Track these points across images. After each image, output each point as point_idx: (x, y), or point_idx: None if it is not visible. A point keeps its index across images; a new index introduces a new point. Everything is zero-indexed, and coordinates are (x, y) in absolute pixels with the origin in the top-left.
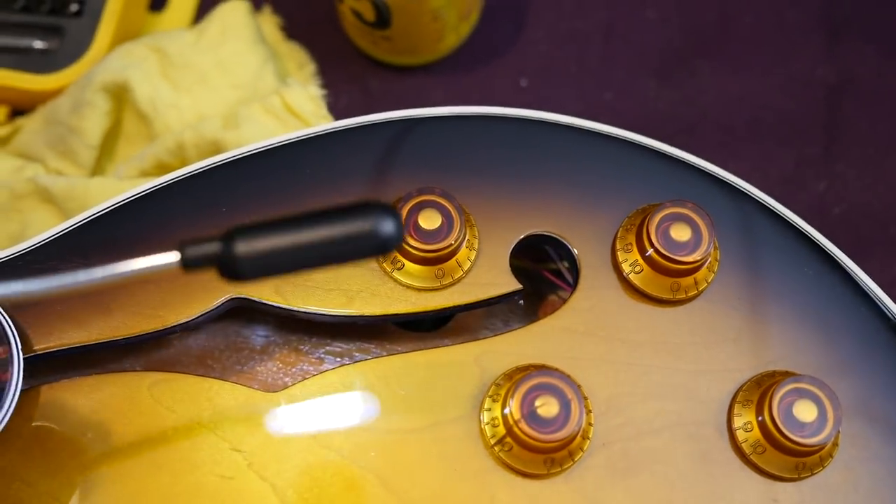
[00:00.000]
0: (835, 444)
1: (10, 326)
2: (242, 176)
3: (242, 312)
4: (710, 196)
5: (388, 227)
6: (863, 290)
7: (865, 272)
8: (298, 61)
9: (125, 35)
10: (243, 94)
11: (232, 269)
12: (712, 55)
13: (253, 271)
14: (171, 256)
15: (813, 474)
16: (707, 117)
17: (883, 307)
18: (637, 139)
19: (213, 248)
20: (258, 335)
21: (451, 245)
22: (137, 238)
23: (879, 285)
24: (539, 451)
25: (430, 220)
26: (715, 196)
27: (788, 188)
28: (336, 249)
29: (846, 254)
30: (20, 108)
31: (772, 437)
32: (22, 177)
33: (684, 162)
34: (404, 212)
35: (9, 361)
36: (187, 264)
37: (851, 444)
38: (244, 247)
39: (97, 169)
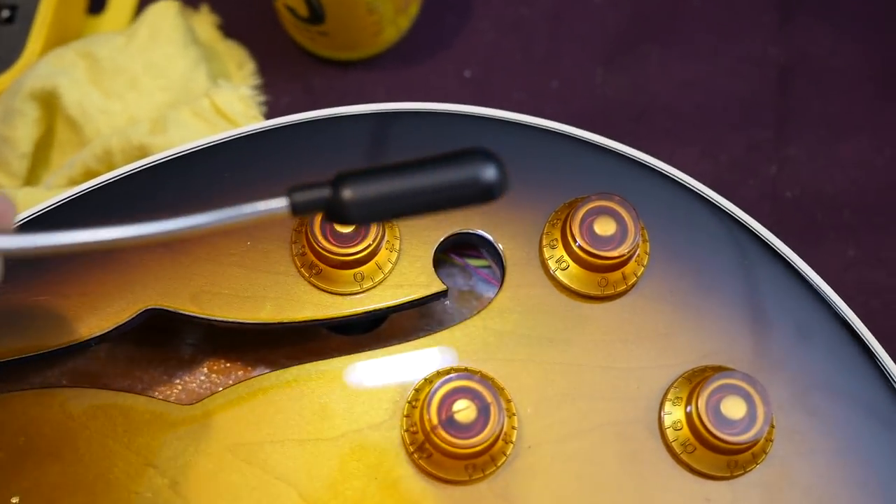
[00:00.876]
0: (768, 440)
1: None
2: (161, 180)
3: (169, 321)
4: (643, 187)
5: (490, 173)
6: (804, 280)
7: (818, 256)
8: (238, 60)
9: (60, 40)
10: (174, 96)
11: (340, 214)
12: (660, 39)
13: (360, 216)
14: (281, 202)
15: (746, 472)
16: (655, 103)
17: (824, 297)
18: (566, 130)
19: (322, 192)
20: (186, 344)
21: (370, 247)
22: None
23: (832, 270)
24: (459, 458)
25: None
26: (648, 187)
27: (739, 173)
28: (441, 196)
29: (797, 238)
30: None
31: (701, 436)
32: None
33: (615, 153)
34: (318, 215)
35: None
36: (296, 209)
37: (788, 439)
38: (352, 192)
39: (32, 178)
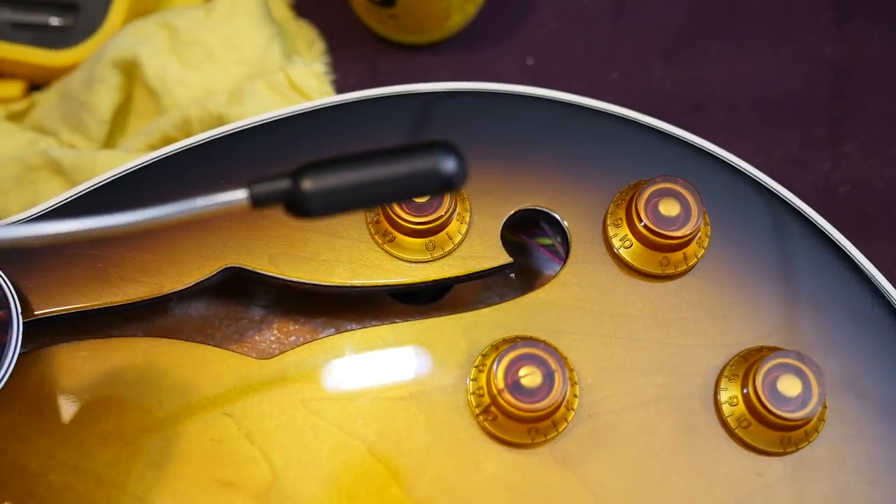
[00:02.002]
0: (820, 420)
1: (10, 290)
2: (240, 148)
3: (242, 282)
4: (704, 173)
5: (450, 164)
6: (858, 268)
7: (870, 252)
8: (308, 39)
9: (138, 12)
10: (249, 70)
11: (300, 206)
12: (720, 35)
13: (321, 208)
14: (240, 194)
15: (798, 449)
16: (713, 97)
17: (878, 286)
18: (631, 115)
19: (281, 184)
20: (257, 306)
21: (442, 217)
22: (137, 203)
23: (883, 265)
24: (523, 421)
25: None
26: (709, 173)
27: (793, 168)
28: (401, 186)
29: (850, 233)
30: (36, 83)
31: (756, 412)
32: (35, 150)
33: (679, 139)
34: None
35: (8, 324)
36: (256, 201)
37: (839, 420)
38: (312, 183)
39: (109, 143)
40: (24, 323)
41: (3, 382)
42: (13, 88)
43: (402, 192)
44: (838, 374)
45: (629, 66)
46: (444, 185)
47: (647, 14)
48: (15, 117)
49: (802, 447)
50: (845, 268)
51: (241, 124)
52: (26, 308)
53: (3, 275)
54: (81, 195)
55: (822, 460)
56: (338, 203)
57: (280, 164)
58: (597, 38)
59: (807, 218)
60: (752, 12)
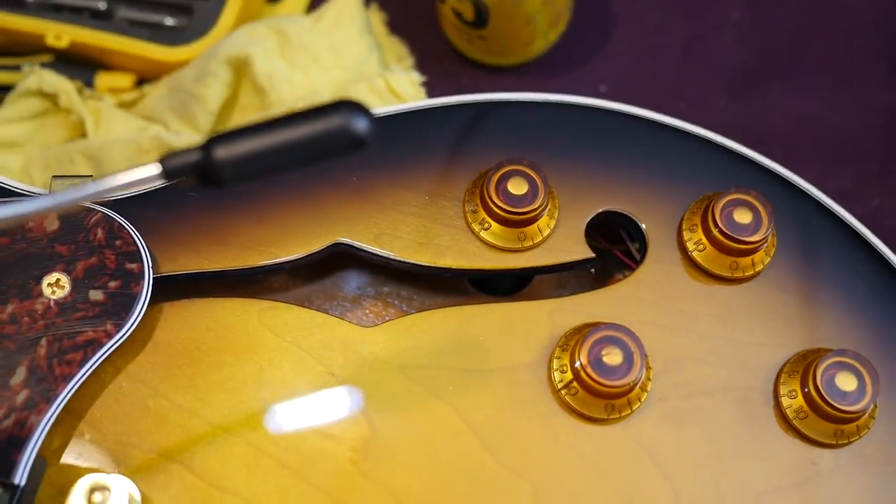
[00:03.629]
0: (871, 416)
1: (143, 248)
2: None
3: (341, 262)
4: (773, 190)
5: (360, 123)
6: None
7: None
8: (398, 54)
9: (245, 19)
10: (350, 75)
11: (213, 176)
12: (782, 76)
13: (233, 175)
14: (153, 167)
15: (850, 442)
16: (773, 133)
17: None
18: (709, 135)
19: (192, 156)
20: (352, 285)
21: (535, 210)
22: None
23: None
24: (602, 396)
25: (518, 187)
26: (777, 190)
27: (844, 201)
28: (312, 148)
29: None
30: (146, 76)
31: (814, 403)
32: (147, 134)
33: (751, 159)
34: (496, 177)
35: (141, 277)
36: (168, 174)
37: (890, 419)
38: (223, 151)
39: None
40: (153, 278)
41: (132, 328)
42: (125, 80)
43: (315, 154)
44: (892, 380)
45: (696, 99)
46: (353, 145)
47: (715, 52)
48: (125, 106)
49: (854, 441)
50: None
51: None
52: (155, 266)
53: (138, 234)
54: None
55: (872, 455)
56: (250, 171)
57: (384, 156)
58: (667, 71)
59: (863, 238)
60: (813, 57)
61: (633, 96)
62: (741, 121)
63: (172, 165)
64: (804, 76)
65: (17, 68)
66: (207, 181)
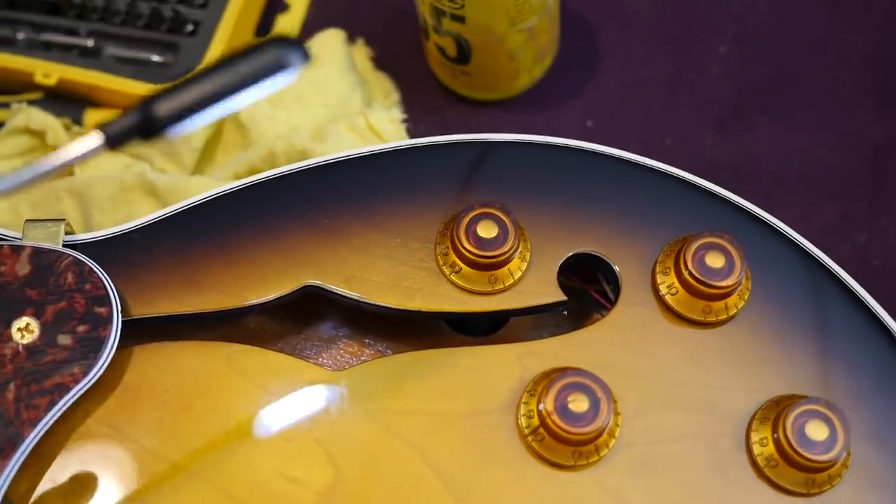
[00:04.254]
0: (844, 465)
1: (113, 292)
2: (319, 179)
3: (315, 303)
4: (749, 232)
5: (295, 55)
6: (889, 333)
7: None
8: (385, 90)
9: None
10: (332, 113)
11: (155, 128)
12: (769, 110)
13: (173, 124)
14: (95, 138)
15: (822, 492)
16: (759, 167)
17: None
18: (684, 175)
19: (132, 118)
20: (326, 325)
21: (505, 254)
22: (228, 222)
23: None
24: (568, 443)
25: (487, 230)
26: (753, 232)
27: (831, 237)
28: (249, 83)
29: (884, 304)
30: None
31: (784, 453)
32: (131, 172)
33: (727, 200)
34: (466, 220)
35: (109, 321)
36: (112, 142)
37: (861, 468)
38: (163, 104)
39: (197, 171)
40: (122, 321)
41: (100, 372)
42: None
43: (248, 89)
44: (864, 426)
45: (682, 133)
46: (287, 75)
47: (701, 87)
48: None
49: (826, 490)
50: (877, 331)
51: (322, 159)
52: (125, 309)
53: (108, 278)
54: (177, 213)
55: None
56: (188, 114)
57: (356, 197)
58: (654, 105)
59: (842, 282)
60: (800, 91)
61: (620, 131)
62: (728, 156)
63: (114, 132)
64: (792, 110)
65: (6, 105)
66: (152, 134)
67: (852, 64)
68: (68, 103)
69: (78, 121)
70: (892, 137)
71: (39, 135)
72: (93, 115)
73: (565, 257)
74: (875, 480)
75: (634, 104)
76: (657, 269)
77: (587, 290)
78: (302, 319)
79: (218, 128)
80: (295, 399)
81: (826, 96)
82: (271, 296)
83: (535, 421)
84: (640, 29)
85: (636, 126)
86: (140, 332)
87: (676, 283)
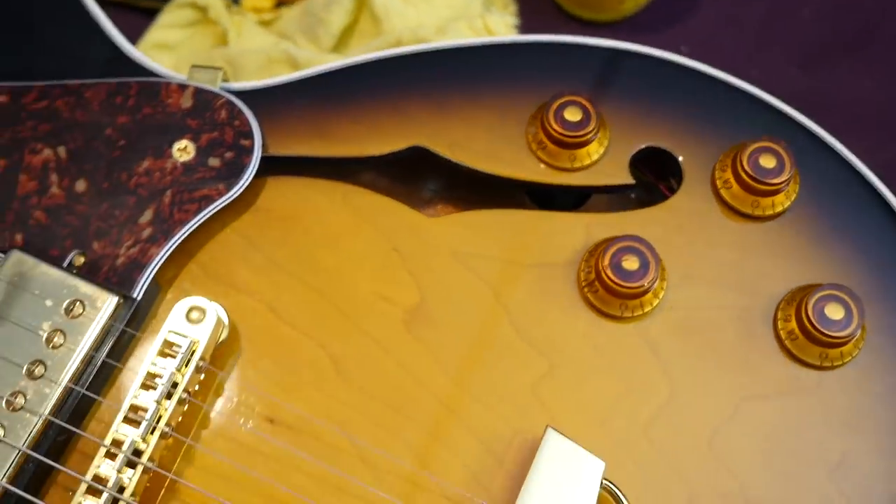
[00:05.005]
0: (856, 346)
1: (256, 130)
2: (440, 60)
3: (418, 166)
4: (804, 143)
5: None
6: None
7: None
8: (504, 1)
9: None
10: (455, 13)
11: None
12: (852, 53)
13: None
14: None
15: (833, 367)
16: (836, 104)
17: None
18: (754, 91)
19: None
20: (427, 189)
21: (586, 136)
22: (356, 88)
23: None
24: (617, 296)
25: (573, 114)
26: (807, 144)
27: (890, 173)
28: None
29: None
30: (283, 1)
31: (804, 328)
32: (278, 48)
33: (790, 116)
34: (555, 104)
35: (251, 151)
36: None
37: (871, 352)
38: None
39: (332, 52)
40: (261, 155)
41: (240, 191)
42: (266, 2)
43: None
44: (882, 319)
45: (768, 68)
46: None
47: (791, 27)
48: (263, 24)
49: (837, 366)
50: None
51: (442, 44)
52: (264, 146)
53: (253, 117)
54: (314, 76)
55: (853, 380)
56: None
57: (466, 79)
58: (745, 40)
59: (881, 195)
60: (884, 38)
61: (711, 59)
62: (807, 92)
63: None
64: (873, 54)
65: None
66: None
67: None
68: None
69: (236, 1)
70: None
71: (203, 10)
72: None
73: (639, 148)
74: (884, 366)
75: (728, 36)
76: (717, 166)
77: (657, 184)
78: (408, 180)
79: (355, 17)
80: (395, 235)
81: None
82: (386, 150)
83: (592, 275)
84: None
85: (727, 56)
86: (274, 167)
87: (732, 179)
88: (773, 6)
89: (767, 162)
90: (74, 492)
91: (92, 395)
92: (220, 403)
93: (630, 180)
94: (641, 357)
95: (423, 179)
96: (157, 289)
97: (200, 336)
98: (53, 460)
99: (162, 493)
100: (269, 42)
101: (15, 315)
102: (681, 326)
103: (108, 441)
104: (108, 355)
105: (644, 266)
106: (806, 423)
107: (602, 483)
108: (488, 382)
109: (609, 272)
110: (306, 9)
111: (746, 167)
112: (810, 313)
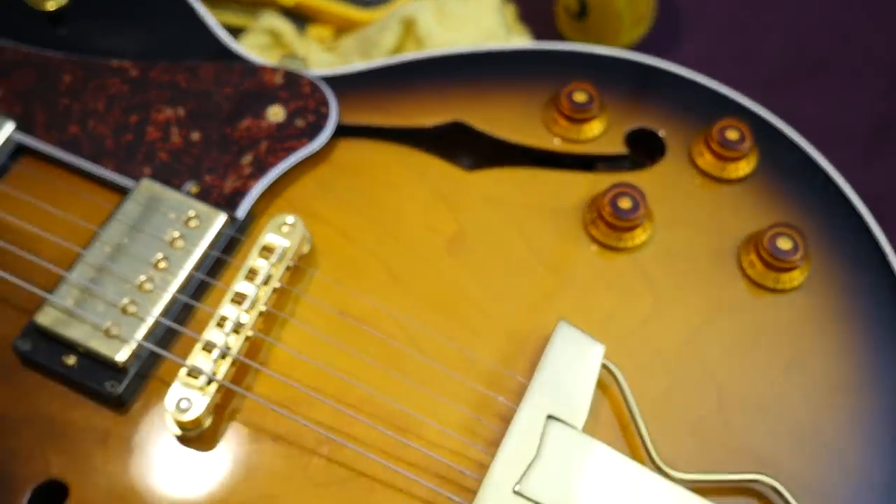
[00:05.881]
0: (801, 274)
1: (334, 102)
2: (473, 58)
3: (460, 139)
4: (760, 127)
5: None
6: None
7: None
8: (521, 32)
9: None
10: (482, 37)
11: None
12: (816, 79)
13: None
14: None
15: (785, 290)
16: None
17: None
18: (718, 87)
19: None
20: (465, 161)
21: (591, 114)
22: (409, 76)
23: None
24: (614, 229)
25: (580, 97)
26: (763, 128)
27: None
28: None
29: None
30: (342, 29)
31: (761, 257)
32: (337, 62)
33: (746, 107)
34: (567, 90)
35: (329, 116)
36: None
37: (813, 279)
38: None
39: None
40: (338, 123)
41: (320, 146)
42: (327, 31)
43: None
44: (823, 254)
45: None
46: None
47: (758, 57)
48: (326, 49)
49: (788, 289)
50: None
51: (472, 48)
52: (340, 116)
53: (331, 93)
54: (376, 68)
55: (799, 301)
56: None
57: (496, 72)
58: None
59: (825, 173)
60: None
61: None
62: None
63: None
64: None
65: (253, 14)
66: None
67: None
68: (296, 18)
69: (301, 30)
70: None
71: (277, 36)
72: (313, 29)
73: (632, 127)
74: (823, 290)
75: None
76: (693, 141)
77: (645, 160)
78: (446, 156)
79: (402, 40)
80: (438, 182)
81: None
82: (433, 123)
83: (595, 214)
84: (713, 21)
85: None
86: (345, 133)
87: (704, 150)
88: (744, 45)
89: (732, 135)
90: (191, 350)
91: (208, 278)
92: (302, 296)
93: (624, 150)
94: (632, 277)
95: (459, 156)
96: (253, 217)
97: (290, 243)
98: (175, 331)
99: (259, 353)
100: (326, 61)
101: (146, 226)
102: (664, 256)
103: (218, 314)
104: (217, 257)
105: (635, 205)
106: (762, 332)
107: (602, 362)
108: (512, 293)
109: (608, 209)
110: (362, 35)
111: (715, 139)
112: (766, 244)
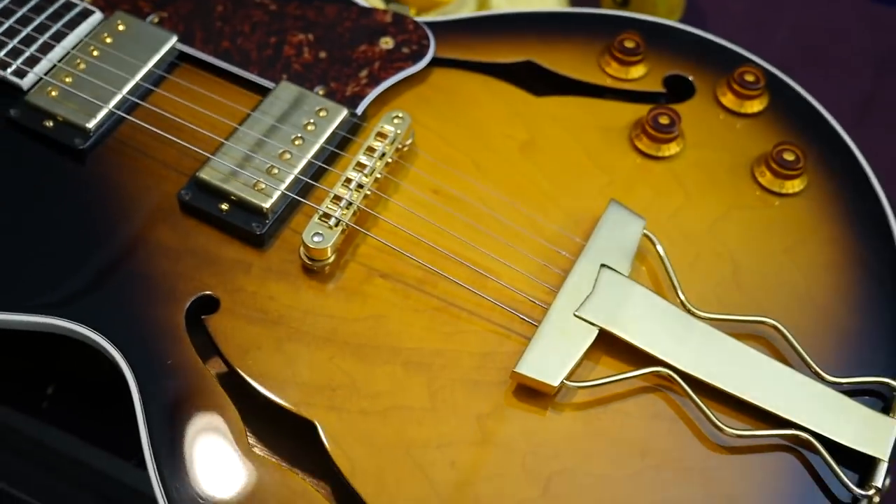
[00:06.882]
0: (802, 182)
1: (432, 38)
2: (538, 15)
3: (532, 74)
4: (771, 79)
5: None
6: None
7: None
8: None
9: None
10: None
11: None
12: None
13: None
14: None
15: (789, 195)
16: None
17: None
18: (739, 50)
19: None
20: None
21: (638, 58)
22: (489, 27)
23: None
24: (654, 140)
25: (629, 43)
26: (776, 81)
27: None
28: None
29: None
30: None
31: (770, 167)
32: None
33: (761, 65)
34: (620, 37)
35: (428, 46)
36: None
37: (812, 187)
38: None
39: None
40: (434, 55)
41: (419, 68)
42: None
43: None
44: (823, 177)
45: None
46: None
47: (768, 47)
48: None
49: (792, 193)
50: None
51: (546, 8)
52: (436, 50)
53: (430, 32)
54: (462, 19)
55: (800, 203)
56: None
57: (561, 26)
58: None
59: (826, 119)
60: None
61: None
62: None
63: None
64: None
65: None
66: None
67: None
68: None
69: None
70: None
71: None
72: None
73: (668, 73)
74: (820, 195)
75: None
76: (717, 84)
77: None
78: (520, 83)
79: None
80: (514, 102)
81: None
82: (509, 60)
83: (639, 129)
84: (729, 17)
85: None
86: (441, 64)
87: (727, 90)
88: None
89: (750, 77)
90: (322, 202)
91: (336, 150)
92: (407, 175)
93: (662, 89)
94: (667, 179)
95: (528, 88)
96: (367, 115)
97: (400, 129)
98: (307, 190)
99: (374, 209)
100: None
101: (285, 115)
102: (693, 166)
103: (344, 176)
104: (342, 135)
105: (672, 122)
106: (770, 223)
107: (643, 232)
108: (571, 185)
109: (650, 122)
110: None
111: (736, 80)
112: (774, 155)
